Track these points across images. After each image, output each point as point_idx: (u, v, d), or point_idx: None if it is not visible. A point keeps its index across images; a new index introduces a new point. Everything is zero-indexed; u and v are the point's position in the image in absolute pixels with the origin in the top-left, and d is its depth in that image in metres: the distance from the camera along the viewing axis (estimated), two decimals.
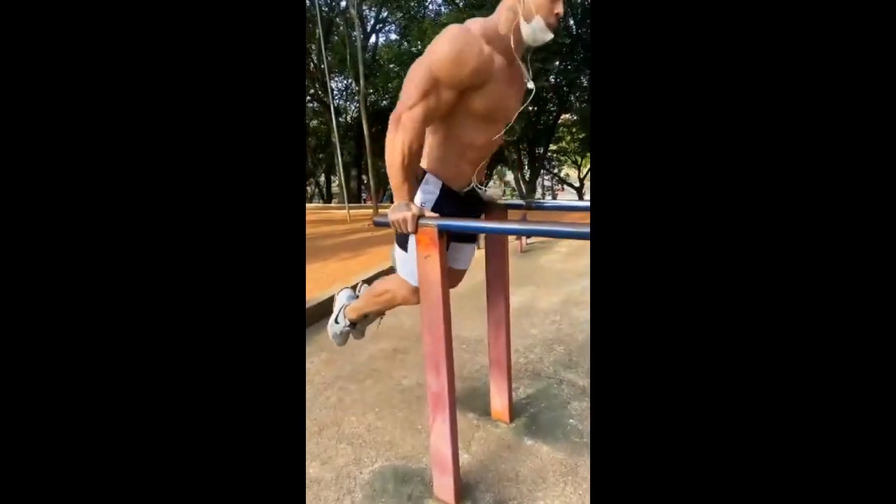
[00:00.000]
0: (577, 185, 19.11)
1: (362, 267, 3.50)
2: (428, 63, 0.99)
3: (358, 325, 1.50)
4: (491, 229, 0.99)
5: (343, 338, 1.52)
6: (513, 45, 1.05)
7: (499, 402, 1.50)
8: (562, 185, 20.04)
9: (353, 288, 1.60)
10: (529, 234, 0.90)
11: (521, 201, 1.33)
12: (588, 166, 19.15)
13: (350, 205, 8.43)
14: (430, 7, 12.63)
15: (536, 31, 1.03)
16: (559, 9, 1.02)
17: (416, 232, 1.03)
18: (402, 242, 1.21)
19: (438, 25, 9.92)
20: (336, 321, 1.51)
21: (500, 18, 1.05)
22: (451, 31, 0.99)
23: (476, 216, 1.29)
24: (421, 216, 1.03)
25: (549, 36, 1.04)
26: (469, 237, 1.30)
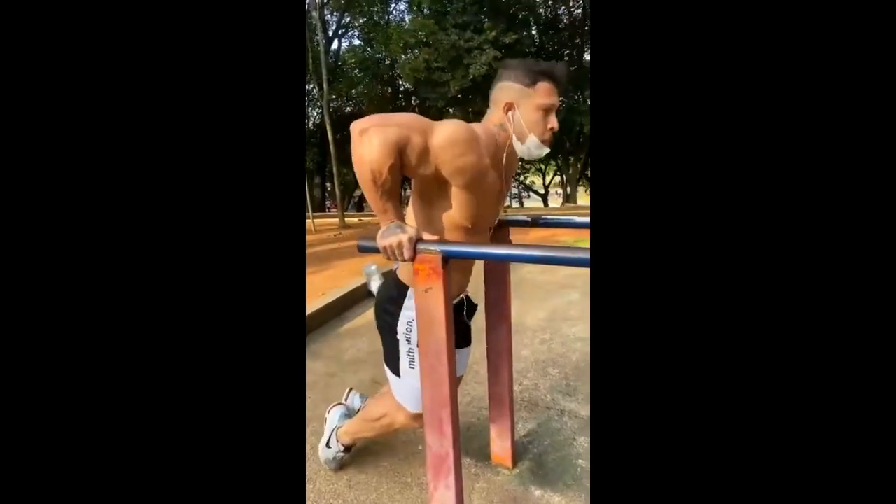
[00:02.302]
0: (541, 192, 19.45)
1: (330, 282, 3.24)
2: (427, 122, 0.84)
3: (351, 449, 1.31)
4: (504, 256, 0.81)
5: (337, 463, 1.31)
6: (504, 164, 0.95)
7: (500, 446, 1.32)
8: (528, 192, 20.31)
9: (346, 402, 1.43)
10: (537, 261, 0.72)
11: (525, 217, 1.16)
12: (552, 174, 19.54)
13: (314, 213, 8.06)
14: (394, 13, 12.52)
15: (531, 149, 0.94)
16: (553, 123, 0.92)
17: (413, 259, 0.83)
18: (394, 364, 1.03)
19: (403, 31, 9.76)
20: (328, 445, 1.30)
21: (493, 130, 0.93)
22: (460, 123, 0.86)
23: (468, 328, 1.13)
24: (420, 240, 0.84)
25: (546, 151, 0.95)
26: (465, 339, 1.13)
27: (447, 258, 0.81)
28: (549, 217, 1.17)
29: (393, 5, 12.12)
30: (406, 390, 1.04)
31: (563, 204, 16.20)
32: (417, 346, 0.97)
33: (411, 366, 1.00)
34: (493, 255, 0.82)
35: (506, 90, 0.93)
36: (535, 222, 1.15)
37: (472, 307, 1.13)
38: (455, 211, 0.91)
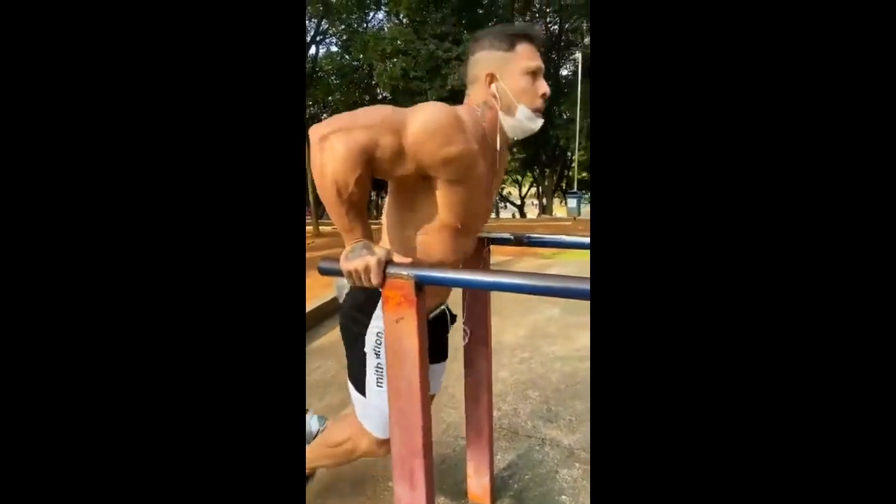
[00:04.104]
0: (518, 202, 19.63)
1: None
2: (400, 115, 0.73)
3: (310, 478, 1.16)
4: (488, 284, 0.71)
5: None
6: (498, 147, 0.84)
7: (477, 483, 1.20)
8: (504, 202, 20.44)
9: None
10: (528, 292, 0.64)
11: (508, 235, 1.06)
12: (528, 185, 19.76)
13: None
14: (373, 21, 12.46)
15: (523, 122, 0.82)
16: (544, 88, 0.81)
17: (382, 285, 0.72)
18: (359, 382, 0.89)
19: (381, 39, 9.68)
20: None
21: (476, 112, 0.82)
22: (439, 105, 0.75)
23: (445, 338, 1.02)
24: (389, 262, 0.72)
25: (540, 123, 0.83)
26: (442, 352, 1.02)
27: (421, 284, 0.70)
28: (533, 236, 1.07)
29: (371, 13, 12.07)
30: (372, 412, 0.90)
31: (539, 215, 16.35)
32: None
33: (379, 384, 0.86)
34: (478, 283, 0.72)
35: (483, 62, 0.81)
36: (520, 240, 1.06)
37: (452, 318, 1.01)
38: (442, 210, 0.79)
